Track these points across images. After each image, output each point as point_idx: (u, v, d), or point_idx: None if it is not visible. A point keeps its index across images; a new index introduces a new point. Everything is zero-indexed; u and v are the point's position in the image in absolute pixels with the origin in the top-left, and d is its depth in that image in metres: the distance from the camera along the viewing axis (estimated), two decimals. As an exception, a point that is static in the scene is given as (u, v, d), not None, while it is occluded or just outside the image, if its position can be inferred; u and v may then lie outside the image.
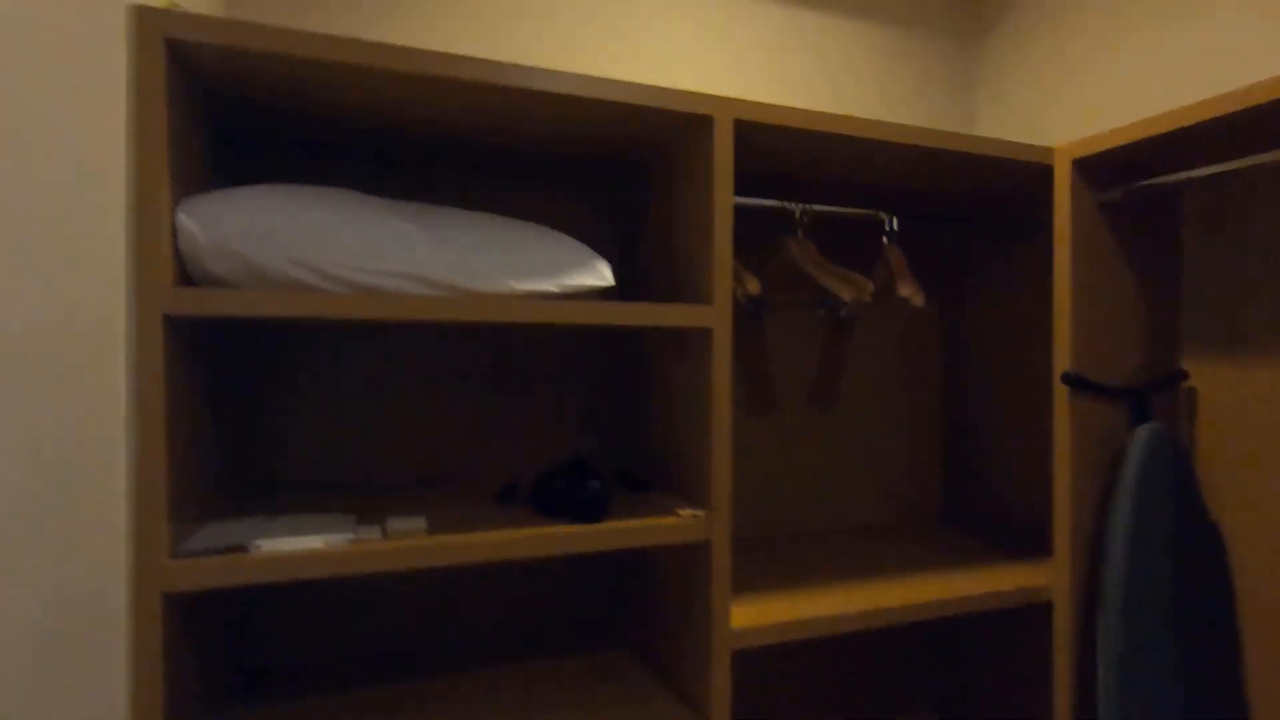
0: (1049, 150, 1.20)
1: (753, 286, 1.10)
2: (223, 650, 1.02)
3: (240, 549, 0.78)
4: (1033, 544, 1.41)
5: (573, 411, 1.30)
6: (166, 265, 0.75)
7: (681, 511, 0.97)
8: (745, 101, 0.98)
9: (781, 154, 1.14)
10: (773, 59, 1.52)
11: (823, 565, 1.27)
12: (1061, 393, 1.17)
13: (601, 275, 0.95)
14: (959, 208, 1.54)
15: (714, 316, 0.97)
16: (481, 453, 1.25)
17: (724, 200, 0.97)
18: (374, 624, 1.18)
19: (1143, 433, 1.14)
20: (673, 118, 0.98)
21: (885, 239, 1.34)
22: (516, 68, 0.87)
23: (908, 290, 1.18)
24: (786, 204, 1.25)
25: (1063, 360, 1.17)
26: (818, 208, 1.26)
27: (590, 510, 0.93)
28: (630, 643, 1.23)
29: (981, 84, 1.70)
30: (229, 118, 0.99)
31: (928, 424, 1.63)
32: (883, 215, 1.33)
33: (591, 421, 1.32)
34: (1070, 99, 1.49)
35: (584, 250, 0.97)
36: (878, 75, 1.62)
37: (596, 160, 1.20)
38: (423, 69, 0.83)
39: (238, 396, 1.12)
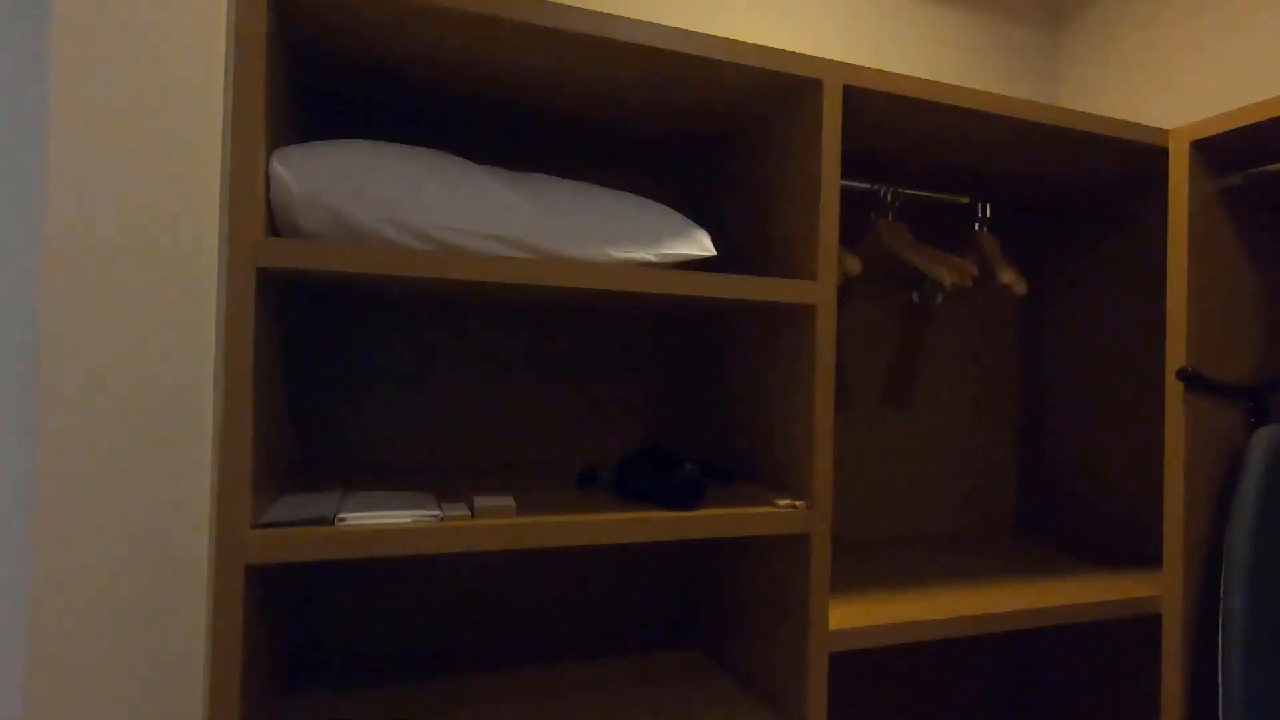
0: (1163, 132, 1.12)
1: (851, 266, 1.03)
2: (282, 631, 0.97)
3: (323, 522, 0.73)
4: (1119, 553, 1.33)
5: (641, 397, 1.24)
6: (259, 215, 0.70)
7: (780, 502, 0.90)
8: (856, 66, 0.92)
9: (874, 128, 1.07)
10: (848, 40, 1.46)
11: (902, 569, 1.19)
12: (1175, 391, 1.09)
13: (702, 245, 0.90)
14: (1043, 196, 1.47)
15: (819, 293, 0.90)
16: (547, 439, 1.20)
17: (831, 170, 0.91)
18: (435, 615, 1.13)
19: (1264, 435, 1.06)
20: (779, 80, 0.92)
21: (977, 225, 1.27)
22: (622, 20, 0.82)
23: (1009, 277, 1.11)
24: (874, 185, 1.19)
25: (1177, 356, 1.09)
26: (907, 191, 1.20)
27: (684, 496, 0.87)
28: (702, 642, 1.16)
29: (1062, 74, 1.63)
30: (313, 75, 0.95)
31: (1002, 426, 1.55)
32: (971, 201, 1.26)
33: (662, 407, 1.26)
34: (1156, 90, 1.41)
35: (682, 219, 0.91)
36: (956, 62, 1.55)
37: (673, 131, 1.14)
38: (528, 18, 0.78)
39: (305, 368, 1.08)
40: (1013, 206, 1.52)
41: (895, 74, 0.94)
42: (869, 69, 0.92)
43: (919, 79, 0.95)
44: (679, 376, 1.27)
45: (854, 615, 0.95)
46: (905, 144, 1.14)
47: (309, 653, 1.07)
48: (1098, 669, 1.35)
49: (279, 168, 0.73)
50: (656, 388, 1.26)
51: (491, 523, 0.77)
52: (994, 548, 1.38)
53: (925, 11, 1.52)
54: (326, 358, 1.09)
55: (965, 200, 1.27)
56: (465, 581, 1.15)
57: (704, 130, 1.12)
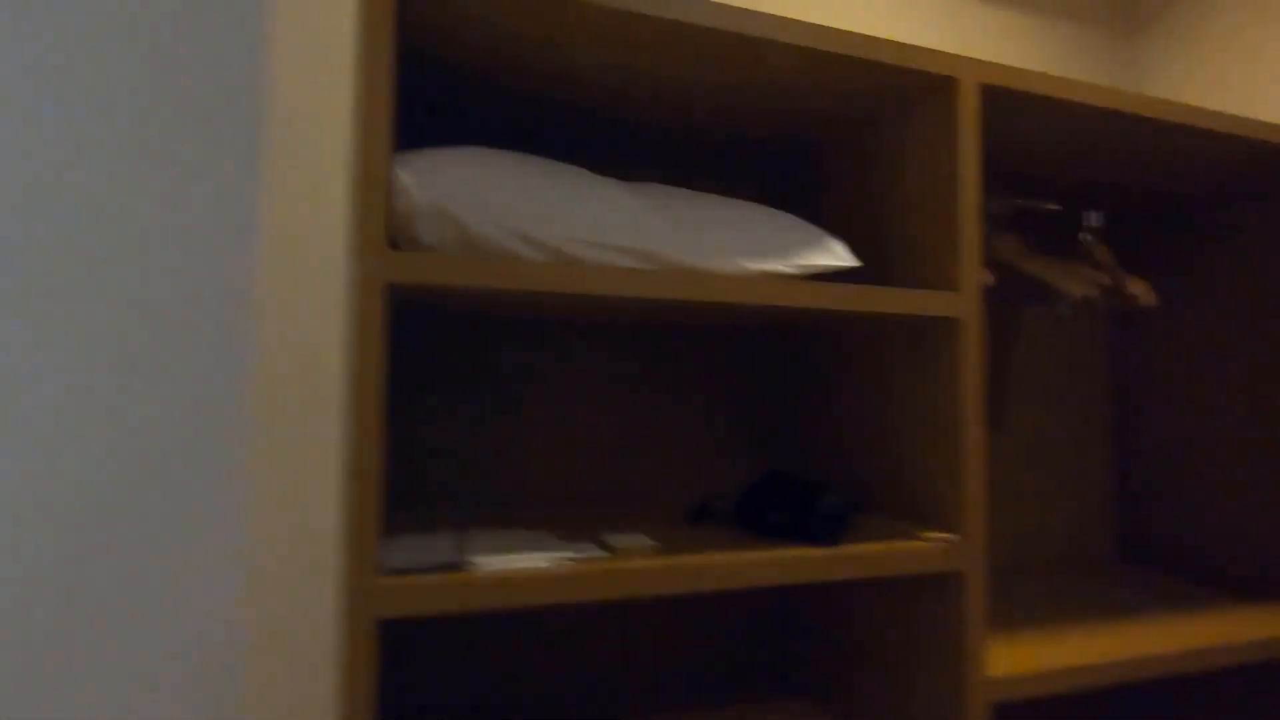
0: (1294, 132, 1.06)
1: (985, 279, 0.96)
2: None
3: (452, 567, 0.65)
4: (1241, 582, 1.23)
5: (739, 422, 1.17)
6: (386, 227, 0.64)
7: (927, 535, 0.82)
8: (992, 64, 0.86)
9: (984, 130, 1.01)
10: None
11: (1024, 603, 1.11)
12: (1326, 406, 1.01)
13: (838, 255, 0.83)
14: (1140, 205, 1.40)
15: (963, 305, 0.83)
16: (640, 467, 1.12)
17: (970, 173, 0.84)
18: (517, 662, 1.04)
19: None
20: (909, 78, 0.86)
21: (1086, 235, 1.20)
22: (747, 13, 0.76)
23: (1139, 287, 1.04)
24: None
25: (1326, 368, 1.01)
26: (1018, 201, 1.14)
27: (828, 531, 0.79)
28: (810, 687, 1.07)
29: (1143, 82, 1.57)
30: (415, 84, 0.89)
31: (1097, 448, 1.46)
32: (1066, 210, 1.20)
33: (762, 433, 1.18)
34: (1243, 97, 1.35)
35: (814, 229, 0.84)
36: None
37: (758, 139, 1.08)
38: (657, 11, 0.72)
39: (389, 389, 1.00)
40: (1106, 217, 1.46)
41: (1034, 72, 0.88)
42: (1007, 66, 0.86)
43: (1061, 78, 0.88)
44: (779, 399, 1.19)
45: (1004, 658, 0.86)
46: (1009, 148, 1.07)
47: (394, 702, 0.98)
48: (1219, 711, 1.25)
49: (402, 175, 0.67)
50: (755, 412, 1.18)
51: (633, 565, 0.69)
52: (1107, 577, 1.29)
53: (994, 16, 1.47)
54: (409, 378, 1.02)
55: (1055, 208, 1.20)
56: (547, 624, 1.06)
57: (793, 137, 1.06)
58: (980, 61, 0.85)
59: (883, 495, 0.96)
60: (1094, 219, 1.19)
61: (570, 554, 0.69)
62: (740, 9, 0.76)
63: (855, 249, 1.02)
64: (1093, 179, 1.21)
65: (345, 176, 0.53)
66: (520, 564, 0.66)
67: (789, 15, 1.27)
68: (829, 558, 0.75)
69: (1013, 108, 0.92)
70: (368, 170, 0.63)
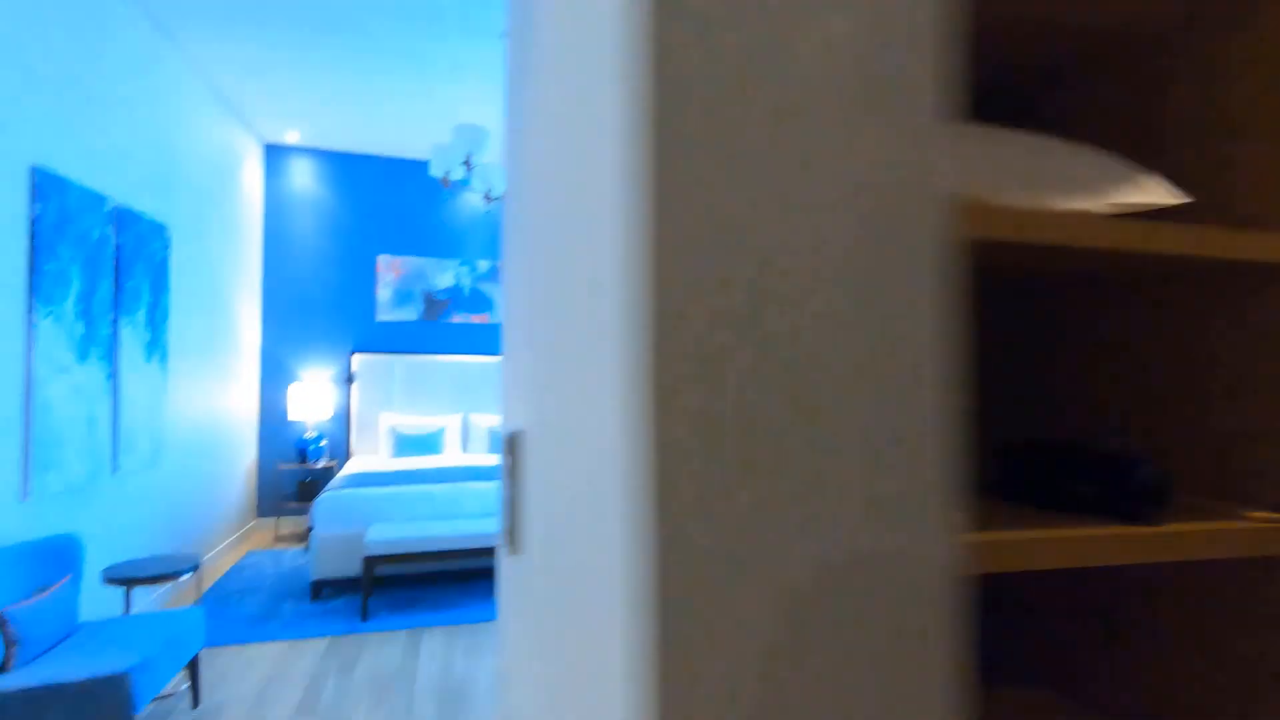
0: None
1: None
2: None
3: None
4: None
5: (980, 382, 1.07)
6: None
7: (1253, 515, 0.72)
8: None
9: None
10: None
11: None
12: None
13: (1158, 192, 0.72)
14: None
15: (1309, 250, 0.71)
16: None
17: (1313, 94, 0.72)
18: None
19: None
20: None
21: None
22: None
23: None
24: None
25: None
26: None
27: (1148, 506, 0.69)
28: (1049, 678, 0.98)
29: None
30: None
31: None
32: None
33: (1000, 393, 1.08)
34: None
35: (1118, 162, 0.73)
36: None
37: (1003, 67, 0.97)
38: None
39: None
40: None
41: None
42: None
43: None
44: (1023, 356, 1.08)
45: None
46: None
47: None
48: None
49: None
50: (998, 370, 1.08)
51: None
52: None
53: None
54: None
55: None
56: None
57: (1040, 65, 0.94)
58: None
59: (1171, 467, 0.85)
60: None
61: (883, 527, 0.61)
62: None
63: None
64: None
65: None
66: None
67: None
68: (1165, 538, 0.65)
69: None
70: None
